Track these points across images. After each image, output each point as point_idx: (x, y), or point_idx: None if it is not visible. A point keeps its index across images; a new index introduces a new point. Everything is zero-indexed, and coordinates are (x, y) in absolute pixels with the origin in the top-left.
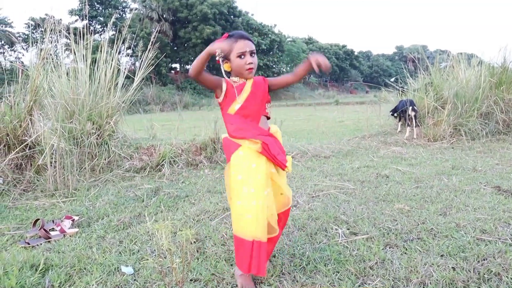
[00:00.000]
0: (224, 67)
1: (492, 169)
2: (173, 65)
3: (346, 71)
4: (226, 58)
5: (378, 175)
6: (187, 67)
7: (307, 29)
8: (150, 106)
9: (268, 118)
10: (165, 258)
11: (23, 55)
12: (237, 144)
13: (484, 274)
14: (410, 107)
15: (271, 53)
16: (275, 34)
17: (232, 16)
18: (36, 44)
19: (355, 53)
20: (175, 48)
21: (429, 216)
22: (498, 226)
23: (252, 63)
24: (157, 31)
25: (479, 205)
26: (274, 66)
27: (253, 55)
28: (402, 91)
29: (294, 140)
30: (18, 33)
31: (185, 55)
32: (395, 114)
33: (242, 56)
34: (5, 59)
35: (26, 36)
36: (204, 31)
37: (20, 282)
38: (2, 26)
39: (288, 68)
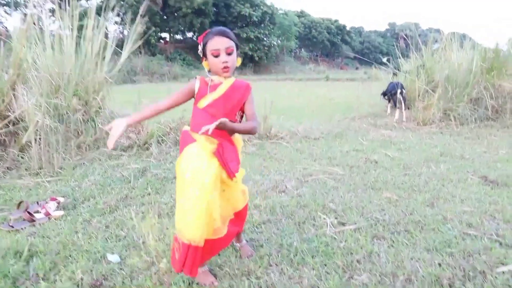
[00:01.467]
0: (203, 64)
1: (479, 157)
2: (163, 35)
3: (337, 46)
4: (205, 55)
5: (367, 160)
6: (177, 37)
7: (300, 2)
8: (138, 76)
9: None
10: (150, 247)
11: (6, 19)
12: (192, 138)
13: (469, 271)
14: (399, 90)
15: (262, 25)
16: (267, 6)
17: None
18: (20, 8)
19: (347, 29)
20: (165, 17)
21: (417, 207)
22: (484, 220)
23: (227, 61)
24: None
25: (466, 196)
26: (265, 39)
27: (230, 53)
28: (394, 73)
29: (284, 119)
30: None
31: (175, 24)
32: (386, 97)
33: (217, 56)
34: None
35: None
36: (195, 0)
37: (3, 271)
38: None
39: (279, 41)
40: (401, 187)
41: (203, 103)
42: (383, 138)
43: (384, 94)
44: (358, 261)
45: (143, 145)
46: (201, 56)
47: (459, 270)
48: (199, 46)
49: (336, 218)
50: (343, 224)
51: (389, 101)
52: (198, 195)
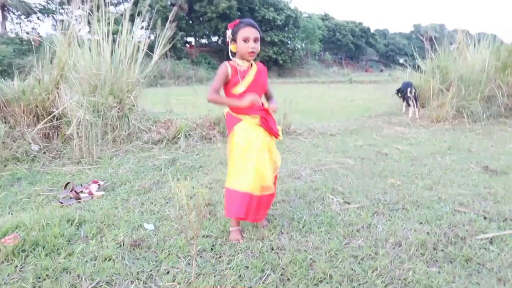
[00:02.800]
0: (231, 47)
1: (486, 150)
2: (188, 39)
3: (361, 49)
4: (234, 40)
5: (378, 152)
6: (202, 41)
7: (323, 5)
8: (165, 80)
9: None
10: (181, 218)
11: (39, 25)
12: (238, 118)
13: (452, 238)
14: (408, 89)
15: (286, 29)
16: (291, 10)
17: None
18: (52, 15)
19: (372, 31)
20: (191, 22)
21: (417, 190)
22: (476, 200)
23: (254, 47)
24: (174, 6)
25: (463, 182)
26: (289, 42)
27: (256, 41)
28: (410, 73)
29: (304, 118)
30: (35, 3)
31: (200, 29)
32: (399, 94)
33: (247, 41)
34: (22, 30)
35: (43, 7)
36: (219, 5)
37: (60, 232)
38: None
39: (303, 44)
40: (405, 175)
41: (239, 89)
42: (396, 134)
43: (398, 91)
44: (357, 231)
45: (172, 139)
46: (229, 40)
47: (444, 236)
48: (228, 31)
49: (343, 198)
50: (348, 203)
51: (403, 100)
52: (254, 155)
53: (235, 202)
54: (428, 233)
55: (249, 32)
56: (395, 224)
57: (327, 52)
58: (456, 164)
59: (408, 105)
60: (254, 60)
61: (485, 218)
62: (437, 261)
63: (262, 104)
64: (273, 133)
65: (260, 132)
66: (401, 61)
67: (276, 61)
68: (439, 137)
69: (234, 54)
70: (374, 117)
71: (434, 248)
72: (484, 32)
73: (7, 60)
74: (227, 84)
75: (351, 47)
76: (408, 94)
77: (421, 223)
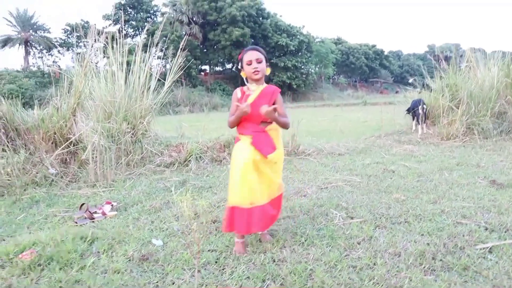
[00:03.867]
0: (242, 74)
1: (495, 165)
2: (203, 67)
3: (375, 71)
4: (242, 67)
5: (385, 170)
6: (217, 68)
7: (336, 29)
8: (179, 107)
9: (270, 122)
10: (188, 235)
11: (59, 59)
12: (238, 138)
13: (452, 248)
14: (420, 106)
15: (299, 54)
16: (304, 35)
17: (260, 18)
18: (72, 49)
19: (385, 53)
20: (205, 50)
21: (421, 204)
22: (479, 212)
23: (257, 67)
24: (187, 35)
25: (469, 195)
26: (302, 66)
27: (260, 62)
28: (419, 92)
29: (314, 139)
30: (55, 38)
31: (215, 57)
32: (410, 113)
33: (250, 64)
34: (43, 63)
35: (63, 41)
36: (233, 33)
37: (73, 248)
38: (40, 32)
39: (317, 68)
40: (411, 190)
41: None
42: (405, 152)
43: (408, 110)
44: (358, 243)
45: (183, 162)
46: (240, 68)
47: (443, 247)
48: (239, 63)
49: (346, 213)
50: (352, 218)
51: (413, 118)
52: (240, 171)
53: (226, 216)
54: (428, 243)
55: (251, 55)
56: (396, 236)
57: (341, 76)
58: (463, 179)
59: (418, 123)
60: (268, 83)
61: (486, 228)
62: (434, 270)
63: (264, 127)
64: (261, 152)
65: (248, 150)
66: (410, 80)
67: (290, 85)
68: (448, 153)
69: (247, 79)
70: (384, 136)
71: (432, 258)
72: (501, 50)
73: (29, 93)
74: None
75: (365, 69)
76: (420, 110)
77: (422, 234)
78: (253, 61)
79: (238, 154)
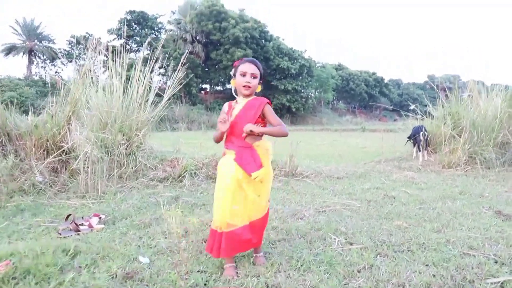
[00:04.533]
0: (231, 82)
1: (499, 195)
2: (204, 86)
3: (375, 98)
4: (234, 75)
5: (386, 195)
6: (217, 88)
7: (337, 55)
8: (177, 124)
9: (259, 136)
10: (177, 253)
11: (62, 70)
12: (224, 152)
13: (460, 281)
14: (421, 132)
15: (300, 77)
16: (305, 59)
17: (263, 40)
18: (76, 60)
19: (385, 81)
20: (206, 69)
21: (424, 233)
22: (486, 244)
23: (249, 82)
24: (187, 52)
25: (474, 225)
26: (302, 90)
27: (254, 78)
28: (422, 119)
29: (312, 162)
30: (59, 49)
31: (216, 76)
32: (411, 140)
33: (244, 75)
34: (45, 73)
35: (67, 52)
36: (235, 53)
37: (53, 261)
38: (45, 42)
39: (316, 93)
40: (413, 217)
41: (227, 124)
42: (405, 179)
43: (409, 137)
44: (358, 271)
45: (177, 178)
46: (232, 76)
47: (451, 280)
48: (233, 69)
49: (345, 239)
50: (351, 243)
51: (414, 145)
52: (222, 192)
53: (209, 237)
54: (433, 275)
55: (247, 68)
56: (398, 266)
57: (340, 101)
58: (467, 209)
59: (419, 150)
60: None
61: (496, 261)
62: None
63: (250, 143)
64: (244, 170)
65: (232, 167)
66: (412, 107)
67: (289, 108)
68: (450, 182)
69: (235, 91)
70: (384, 162)
71: None
72: (499, 83)
73: (30, 102)
74: None
75: (364, 96)
76: (421, 137)
77: (426, 265)
78: (247, 74)
79: (222, 172)
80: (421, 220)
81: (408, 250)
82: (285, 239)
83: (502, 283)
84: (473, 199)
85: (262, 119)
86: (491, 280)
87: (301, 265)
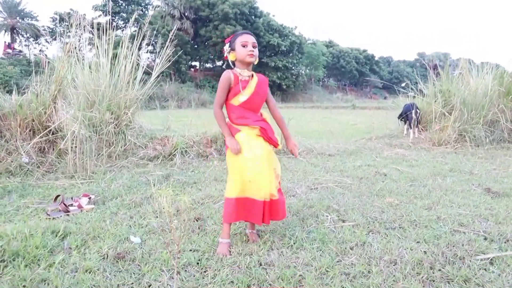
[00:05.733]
0: (230, 57)
1: (488, 173)
2: (193, 63)
3: (365, 75)
4: (232, 49)
5: (377, 173)
6: (207, 65)
7: (328, 32)
8: (167, 102)
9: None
10: (169, 232)
11: (47, 48)
12: (237, 129)
13: (451, 257)
14: (413, 110)
15: (290, 54)
16: (296, 36)
17: (253, 17)
18: (60, 38)
19: (376, 58)
20: (196, 46)
21: (415, 210)
22: (476, 221)
23: (253, 50)
24: (175, 28)
25: (464, 202)
26: (293, 67)
27: (255, 47)
28: (413, 96)
29: (304, 139)
30: (43, 26)
31: (205, 53)
32: (402, 118)
33: (245, 46)
34: (29, 51)
35: (51, 30)
36: (224, 30)
37: (42, 243)
38: (28, 20)
39: (307, 70)
40: (404, 195)
41: (239, 100)
42: (396, 156)
43: (400, 116)
44: (351, 248)
45: (168, 156)
46: (227, 51)
47: (441, 256)
48: (226, 45)
49: (337, 216)
50: (343, 221)
51: (405, 123)
52: (258, 164)
53: (229, 208)
54: (425, 252)
55: (247, 38)
56: (390, 243)
57: (331, 78)
58: (457, 186)
59: (410, 127)
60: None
61: (485, 238)
62: (433, 280)
63: (261, 115)
64: (272, 142)
65: (261, 142)
66: (403, 84)
67: (280, 86)
68: (440, 159)
69: (233, 63)
70: (375, 139)
71: (431, 268)
72: (488, 61)
73: (14, 81)
74: (228, 93)
75: (355, 73)
76: (413, 115)
77: (418, 242)
78: (249, 43)
79: (251, 147)
80: (412, 197)
81: (400, 227)
82: None
83: (491, 259)
84: (462, 177)
85: None
86: (481, 257)
87: (294, 243)
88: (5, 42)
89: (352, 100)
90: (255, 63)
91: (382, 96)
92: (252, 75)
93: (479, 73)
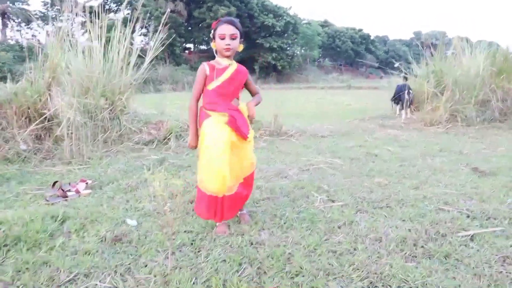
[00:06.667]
0: (212, 45)
1: (477, 152)
2: (187, 45)
3: (361, 55)
4: (214, 38)
5: (368, 153)
6: (201, 47)
7: (323, 12)
8: (162, 85)
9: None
10: (164, 215)
11: (39, 32)
12: (208, 114)
13: (433, 234)
14: (406, 91)
15: (285, 35)
16: (290, 16)
17: None
18: (52, 23)
19: (371, 38)
20: (190, 28)
21: (403, 189)
22: (461, 199)
23: (229, 44)
24: (169, 11)
25: (451, 182)
26: (288, 48)
27: (234, 38)
28: (405, 77)
29: (297, 121)
30: (35, 10)
31: (200, 35)
32: (395, 100)
33: (223, 38)
34: (21, 37)
35: (42, 14)
36: (218, 11)
37: (42, 227)
38: (18, 4)
39: (302, 50)
40: (393, 175)
41: (213, 85)
42: (388, 136)
43: (393, 97)
44: (338, 227)
45: (163, 140)
46: (211, 38)
47: (425, 234)
48: (212, 31)
49: (327, 196)
50: (333, 201)
51: (397, 103)
52: (216, 155)
53: (203, 203)
54: (409, 230)
55: (225, 29)
56: (377, 221)
57: (326, 59)
58: (445, 165)
59: (402, 107)
60: (253, 63)
61: (468, 216)
62: (415, 256)
63: (237, 105)
64: (240, 133)
65: (225, 131)
66: (396, 65)
67: (275, 66)
68: (432, 139)
69: (216, 52)
70: (368, 120)
71: (414, 244)
72: (485, 40)
73: (7, 67)
74: (206, 80)
75: (350, 53)
76: (405, 95)
77: (403, 220)
78: (226, 36)
79: (211, 137)
80: (401, 177)
81: (387, 206)
82: (269, 197)
83: (472, 236)
84: (452, 156)
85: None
86: (462, 234)
87: (284, 223)
88: None
89: (348, 80)
90: (238, 50)
91: (378, 76)
92: (231, 64)
93: (472, 52)
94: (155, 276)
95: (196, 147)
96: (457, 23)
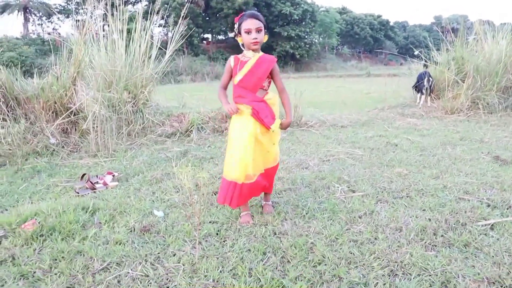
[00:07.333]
0: (238, 40)
1: (499, 140)
2: (205, 36)
3: (380, 42)
4: (239, 33)
5: (388, 143)
6: (219, 37)
7: None
8: (181, 76)
9: (265, 90)
10: (190, 206)
11: (60, 26)
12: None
13: (453, 224)
14: (426, 78)
15: (303, 23)
16: (308, 4)
17: None
18: (73, 16)
19: (391, 24)
20: (207, 18)
21: (423, 179)
22: (481, 189)
23: (256, 38)
24: (188, 2)
25: (472, 171)
26: (306, 36)
27: (259, 31)
28: (425, 65)
29: (317, 111)
30: (55, 4)
31: (217, 25)
32: (416, 88)
33: (249, 33)
34: (43, 31)
35: (63, 8)
36: (236, 1)
37: (75, 218)
38: None
39: (320, 38)
40: (413, 164)
41: (236, 79)
42: (408, 125)
43: (415, 85)
44: (359, 217)
45: (185, 132)
46: (236, 33)
47: (445, 223)
48: (235, 25)
49: (348, 187)
50: (353, 191)
51: (418, 92)
52: (240, 145)
53: (223, 189)
54: (429, 219)
55: (250, 24)
56: (397, 211)
57: (345, 46)
58: (466, 154)
59: (422, 93)
60: (271, 52)
61: (488, 205)
62: (435, 245)
63: (264, 96)
64: (263, 124)
65: (250, 123)
66: (416, 52)
67: (293, 55)
68: (452, 128)
69: (243, 45)
70: (387, 109)
71: (434, 234)
72: (509, 22)
73: (30, 61)
74: (232, 75)
75: (369, 40)
76: (425, 83)
77: (423, 210)
78: (252, 30)
79: (237, 127)
80: (421, 167)
81: (407, 196)
82: (291, 188)
83: (492, 225)
84: (473, 145)
85: (268, 77)
86: (482, 223)
87: (306, 213)
88: None
89: (367, 68)
90: (264, 41)
91: (398, 62)
92: (253, 57)
93: (494, 37)
94: (183, 264)
95: (236, 109)
96: (479, 5)
